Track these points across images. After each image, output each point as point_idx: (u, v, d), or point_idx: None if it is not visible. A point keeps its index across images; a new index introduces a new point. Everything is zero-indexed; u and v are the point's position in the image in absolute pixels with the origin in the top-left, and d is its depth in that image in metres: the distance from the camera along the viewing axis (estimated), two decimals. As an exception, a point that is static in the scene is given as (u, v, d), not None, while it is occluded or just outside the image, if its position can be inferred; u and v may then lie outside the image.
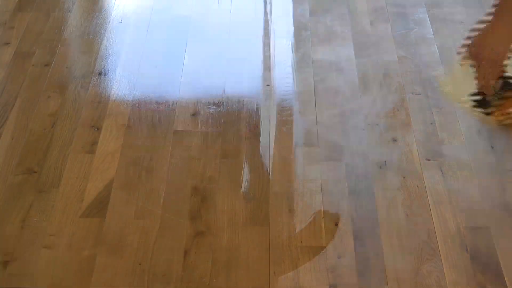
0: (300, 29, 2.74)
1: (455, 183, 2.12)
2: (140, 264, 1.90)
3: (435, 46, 2.64)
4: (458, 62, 1.91)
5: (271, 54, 2.62)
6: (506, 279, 1.86)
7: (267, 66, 2.57)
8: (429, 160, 2.19)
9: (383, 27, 2.74)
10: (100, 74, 2.52)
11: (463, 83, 1.92)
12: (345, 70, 2.54)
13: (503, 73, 1.88)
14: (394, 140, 2.26)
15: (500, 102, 1.93)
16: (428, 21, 2.77)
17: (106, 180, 2.13)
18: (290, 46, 2.66)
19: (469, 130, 2.28)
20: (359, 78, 2.50)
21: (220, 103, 2.41)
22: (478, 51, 1.85)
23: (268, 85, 2.48)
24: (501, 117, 1.96)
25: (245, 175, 2.15)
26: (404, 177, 2.14)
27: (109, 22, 2.78)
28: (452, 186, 2.12)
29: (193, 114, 2.36)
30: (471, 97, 1.93)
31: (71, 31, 2.73)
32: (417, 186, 2.11)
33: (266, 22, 2.79)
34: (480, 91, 1.90)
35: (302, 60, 2.58)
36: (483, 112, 1.94)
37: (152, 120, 2.34)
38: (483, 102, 1.93)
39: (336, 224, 2.00)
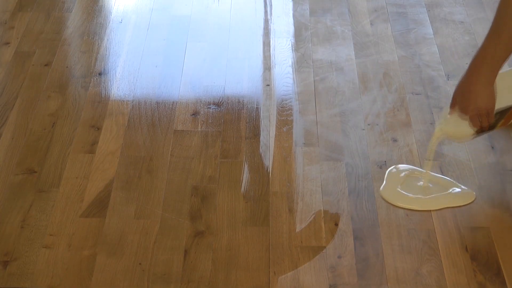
0: (300, 29, 2.74)
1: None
2: (140, 264, 1.90)
3: (435, 46, 2.65)
4: (448, 113, 1.98)
5: (271, 54, 2.62)
6: (506, 279, 1.86)
7: (267, 66, 2.57)
8: (429, 160, 2.19)
9: (383, 27, 2.74)
10: (100, 74, 2.52)
11: (461, 125, 2.00)
12: (345, 70, 2.54)
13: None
14: (394, 140, 2.26)
15: (501, 120, 1.99)
16: (428, 21, 2.77)
17: (106, 180, 2.13)
18: (290, 46, 2.66)
19: (469, 130, 2.28)
20: (359, 78, 2.50)
21: (220, 103, 2.41)
22: (464, 108, 1.92)
23: (268, 85, 2.48)
24: (504, 126, 2.04)
25: (245, 175, 2.15)
26: (404, 177, 2.14)
27: (109, 22, 2.78)
28: (452, 186, 2.12)
29: (193, 114, 2.36)
30: (473, 134, 2.01)
31: (71, 31, 2.73)
32: (417, 186, 2.12)
33: (266, 22, 2.79)
34: (478, 130, 1.99)
35: (302, 60, 2.58)
36: (488, 134, 2.04)
37: (152, 120, 2.34)
38: (483, 132, 2.01)
39: (336, 224, 2.00)
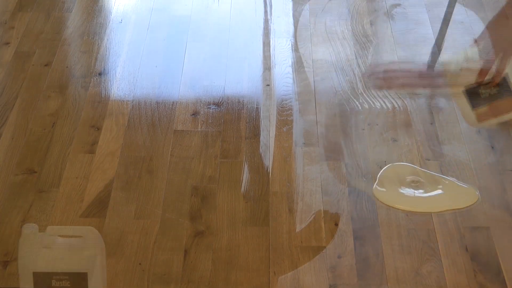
0: (300, 29, 2.74)
1: (455, 183, 2.13)
2: (140, 264, 1.90)
3: (435, 46, 2.65)
4: (471, 45, 1.88)
5: (271, 54, 2.62)
6: (506, 279, 1.86)
7: (267, 66, 2.57)
8: (429, 160, 2.19)
9: (383, 27, 2.74)
10: (100, 74, 2.52)
11: (466, 69, 1.88)
12: (345, 70, 2.54)
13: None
14: (394, 140, 2.26)
15: (489, 102, 1.88)
16: (428, 21, 2.77)
17: (106, 180, 2.13)
18: (290, 46, 2.66)
19: (469, 130, 2.28)
20: (359, 78, 2.50)
21: (220, 103, 2.41)
22: (498, 38, 1.83)
23: (268, 85, 2.48)
24: (482, 120, 1.87)
25: (245, 175, 2.15)
26: (404, 177, 2.14)
27: (109, 22, 2.78)
28: (452, 186, 2.12)
29: (193, 114, 2.36)
30: (466, 85, 1.86)
31: (71, 31, 2.73)
32: (417, 186, 2.12)
33: (266, 22, 2.79)
34: (477, 80, 1.84)
35: (302, 60, 2.58)
36: (468, 104, 1.89)
37: (152, 120, 2.34)
38: (473, 95, 1.86)
39: (336, 224, 2.00)
